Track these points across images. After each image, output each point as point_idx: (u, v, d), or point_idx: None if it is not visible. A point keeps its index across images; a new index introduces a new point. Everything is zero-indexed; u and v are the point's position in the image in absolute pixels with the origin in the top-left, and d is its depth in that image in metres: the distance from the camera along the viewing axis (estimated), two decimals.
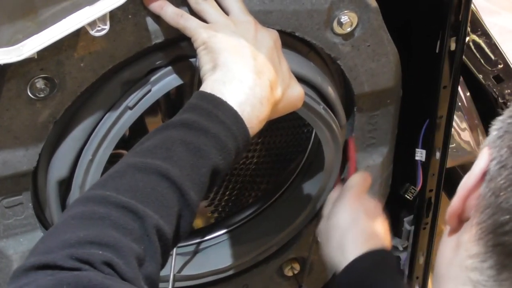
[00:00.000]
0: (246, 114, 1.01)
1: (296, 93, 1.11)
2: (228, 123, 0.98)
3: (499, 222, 0.67)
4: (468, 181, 0.72)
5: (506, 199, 0.67)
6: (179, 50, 1.13)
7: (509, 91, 1.52)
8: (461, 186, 0.74)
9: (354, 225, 1.24)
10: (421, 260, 1.54)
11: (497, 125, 0.73)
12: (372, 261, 1.19)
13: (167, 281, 1.28)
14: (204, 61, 1.04)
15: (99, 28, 1.00)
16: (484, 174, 0.71)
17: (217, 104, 0.99)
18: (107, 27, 1.00)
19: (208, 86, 1.02)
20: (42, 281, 0.77)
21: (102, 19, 1.00)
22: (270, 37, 1.08)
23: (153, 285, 0.88)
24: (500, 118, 0.73)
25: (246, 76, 1.02)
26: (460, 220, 0.75)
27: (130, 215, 0.87)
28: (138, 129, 1.25)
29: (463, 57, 1.36)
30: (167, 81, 1.13)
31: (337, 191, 1.34)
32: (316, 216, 1.42)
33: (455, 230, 0.76)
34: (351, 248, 1.21)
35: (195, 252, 1.44)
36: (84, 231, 0.83)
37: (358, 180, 1.32)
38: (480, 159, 0.72)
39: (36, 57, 0.99)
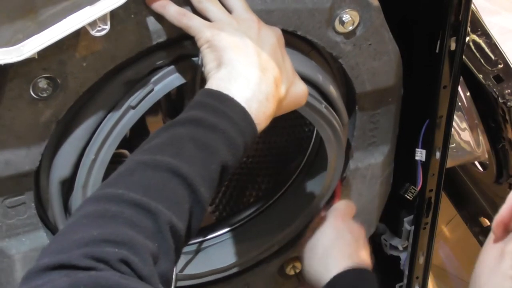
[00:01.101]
0: (254, 110, 1.01)
1: (300, 90, 1.11)
2: (236, 119, 0.98)
3: None
4: None
5: None
6: (181, 49, 1.13)
7: (509, 91, 1.52)
8: (511, 196, 0.73)
9: (338, 241, 1.26)
10: (421, 260, 1.54)
11: None
12: (353, 279, 1.19)
13: None
14: (208, 59, 1.04)
15: (99, 28, 1.00)
16: None
17: (224, 101, 0.99)
18: (107, 27, 1.00)
19: (214, 84, 1.01)
20: (58, 282, 0.76)
21: (102, 19, 1.00)
22: (273, 35, 1.08)
23: (167, 283, 0.87)
24: None
25: (251, 73, 1.02)
26: (506, 229, 0.74)
27: (143, 212, 0.86)
28: (139, 129, 1.25)
29: (463, 57, 1.36)
30: (169, 80, 1.13)
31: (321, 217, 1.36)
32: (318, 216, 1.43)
33: (500, 238, 0.75)
34: (334, 263, 1.22)
35: (197, 251, 1.44)
36: (97, 230, 0.83)
37: (343, 205, 1.34)
38: None
39: (36, 57, 0.99)
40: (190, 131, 0.96)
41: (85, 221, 0.85)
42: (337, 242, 1.26)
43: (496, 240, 0.76)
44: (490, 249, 0.76)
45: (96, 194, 0.91)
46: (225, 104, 0.99)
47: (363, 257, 1.25)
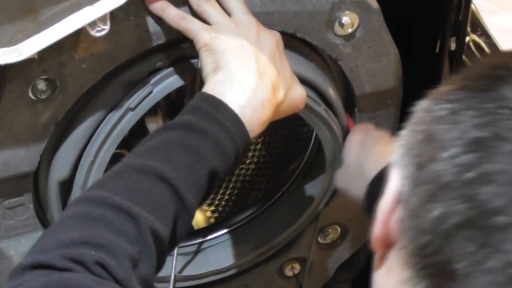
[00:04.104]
0: (247, 117, 1.01)
1: (298, 94, 1.11)
2: (227, 125, 0.98)
3: (422, 244, 0.62)
4: (384, 205, 0.68)
5: (422, 219, 0.62)
6: (181, 52, 1.13)
7: None
8: (379, 212, 0.69)
9: (364, 148, 1.24)
10: None
11: (400, 141, 0.68)
12: None
13: (168, 281, 1.28)
14: (206, 62, 1.04)
15: (99, 29, 1.00)
16: (399, 196, 0.66)
17: (217, 106, 0.99)
18: (107, 27, 1.00)
19: (210, 87, 1.02)
20: (32, 282, 0.79)
21: (102, 19, 0.99)
22: (272, 39, 1.08)
23: (148, 287, 0.88)
24: (402, 132, 0.69)
25: (248, 78, 1.02)
26: (387, 244, 0.70)
27: (125, 216, 0.88)
28: (138, 131, 1.24)
29: (463, 57, 1.36)
30: (168, 82, 1.13)
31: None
32: (317, 217, 1.42)
33: (384, 255, 0.71)
34: (369, 167, 1.19)
35: (196, 252, 1.44)
36: (78, 231, 0.84)
37: (359, 126, 1.32)
38: (391, 180, 0.68)
39: (36, 57, 0.98)
40: (181, 136, 0.96)
41: (69, 222, 0.87)
42: (364, 149, 1.23)
43: (381, 258, 0.71)
44: (379, 267, 0.72)
45: (84, 196, 0.93)
46: (218, 110, 0.99)
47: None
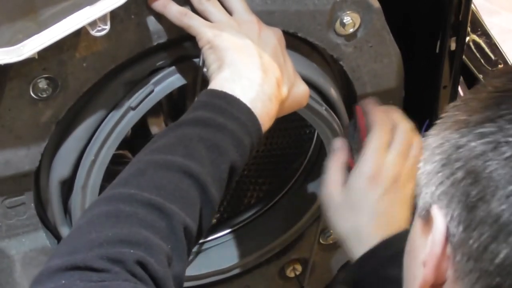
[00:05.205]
0: (258, 111, 1.00)
1: (302, 90, 1.11)
2: (243, 119, 0.98)
3: (491, 285, 0.62)
4: (434, 250, 0.66)
5: (486, 262, 0.61)
6: (182, 51, 1.13)
7: None
8: (429, 257, 0.67)
9: (370, 205, 1.13)
10: None
11: (438, 179, 0.66)
12: (386, 254, 1.08)
13: None
14: (210, 60, 1.04)
15: (99, 28, 1.00)
16: (447, 237, 0.65)
17: (230, 101, 0.99)
18: (107, 27, 1.00)
19: (218, 84, 1.01)
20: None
21: (102, 19, 0.99)
22: (274, 36, 1.08)
23: (180, 285, 0.87)
24: (425, 167, 0.67)
25: (254, 73, 1.02)
26: (436, 285, 0.68)
27: (157, 212, 0.86)
28: (140, 130, 1.24)
29: (463, 57, 1.35)
30: (169, 81, 1.13)
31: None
32: (319, 218, 1.42)
33: None
34: (367, 233, 1.12)
35: (197, 253, 1.44)
36: (112, 230, 0.82)
37: (377, 140, 1.18)
38: (436, 222, 0.66)
39: (36, 57, 0.98)
40: (198, 131, 0.95)
41: (98, 221, 0.84)
42: (369, 207, 1.13)
43: None
44: None
45: (107, 195, 0.89)
46: (231, 105, 0.98)
47: (399, 220, 1.13)
